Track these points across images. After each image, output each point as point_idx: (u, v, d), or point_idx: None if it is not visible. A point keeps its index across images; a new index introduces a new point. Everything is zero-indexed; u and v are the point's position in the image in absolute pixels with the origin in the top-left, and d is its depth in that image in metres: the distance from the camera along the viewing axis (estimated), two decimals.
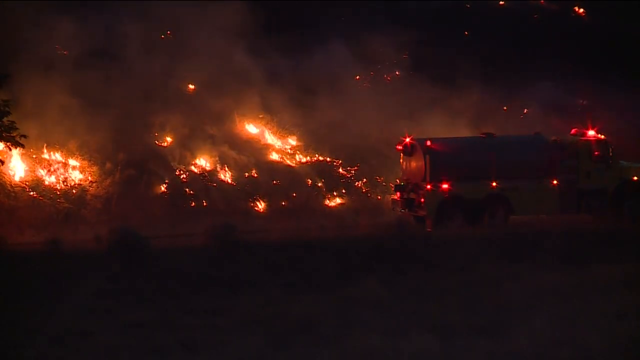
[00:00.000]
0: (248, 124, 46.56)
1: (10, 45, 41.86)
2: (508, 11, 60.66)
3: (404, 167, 36.89)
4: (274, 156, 45.66)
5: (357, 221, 39.94)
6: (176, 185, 42.20)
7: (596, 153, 35.95)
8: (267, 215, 42.10)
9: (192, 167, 43.34)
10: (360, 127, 45.89)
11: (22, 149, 38.48)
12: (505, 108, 50.75)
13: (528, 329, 16.41)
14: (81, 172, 41.22)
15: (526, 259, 25.31)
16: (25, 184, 39.84)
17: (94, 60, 43.60)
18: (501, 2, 61.26)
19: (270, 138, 46.49)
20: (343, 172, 45.77)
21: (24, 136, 37.06)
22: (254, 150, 45.15)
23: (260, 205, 42.63)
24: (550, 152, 35.81)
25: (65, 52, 44.92)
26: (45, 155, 41.05)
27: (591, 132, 36.40)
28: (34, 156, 40.67)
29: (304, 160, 45.90)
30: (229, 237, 28.08)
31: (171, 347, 16.45)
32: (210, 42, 45.71)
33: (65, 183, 40.58)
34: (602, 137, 36.47)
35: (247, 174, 43.81)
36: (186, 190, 42.19)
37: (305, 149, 46.29)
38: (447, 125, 44.20)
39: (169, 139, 44.18)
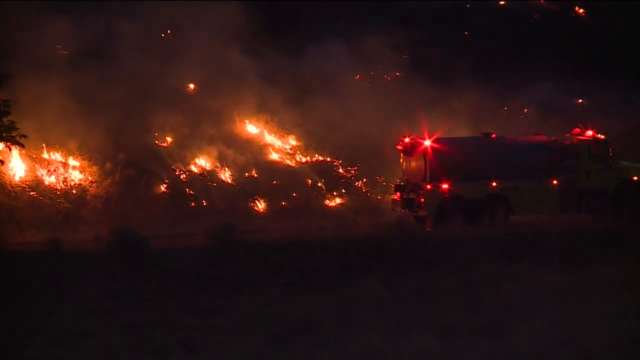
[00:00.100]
0: (248, 124, 46.56)
1: (10, 45, 41.85)
2: (508, 11, 60.69)
3: (404, 167, 36.90)
4: (274, 156, 45.67)
5: (357, 221, 39.92)
6: (176, 185, 42.20)
7: (596, 153, 35.94)
8: (267, 215, 42.09)
9: (192, 167, 43.34)
10: (360, 127, 45.89)
11: (22, 149, 38.47)
12: (505, 108, 50.76)
13: (528, 329, 16.42)
14: (81, 172, 41.22)
15: (526, 259, 25.32)
16: (25, 184, 39.84)
17: (93, 60, 43.59)
18: (501, 2, 61.28)
19: (270, 138, 46.49)
20: (343, 172, 45.77)
21: (24, 136, 37.05)
22: (254, 150, 45.15)
23: (260, 205, 42.63)
24: (550, 152, 35.81)
25: (65, 52, 44.93)
26: (45, 155, 41.04)
27: (591, 132, 36.40)
28: (34, 156, 40.66)
29: (304, 160, 45.90)
30: (229, 237, 28.08)
31: (171, 347, 16.46)
32: (210, 42, 45.71)
33: (65, 183, 40.58)
34: (602, 137, 36.48)
35: (247, 174, 43.82)
36: (186, 190, 42.19)
37: (305, 149, 46.30)
38: (447, 125, 44.17)
39: (169, 139, 44.18)
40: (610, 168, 35.93)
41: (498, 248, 27.24)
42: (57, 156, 41.27)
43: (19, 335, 17.47)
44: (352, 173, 45.72)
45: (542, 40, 56.90)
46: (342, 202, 44.17)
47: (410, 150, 36.08)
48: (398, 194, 36.57)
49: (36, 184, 40.08)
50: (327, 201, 44.09)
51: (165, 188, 41.95)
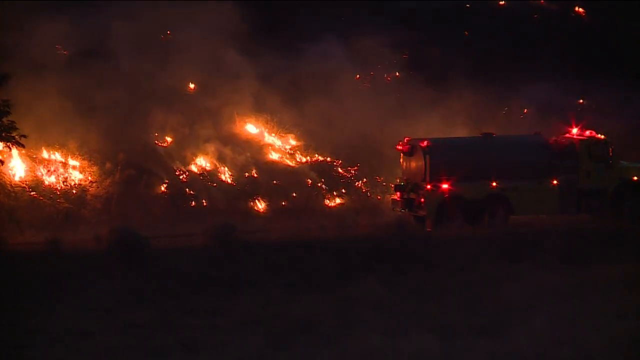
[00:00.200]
0: (248, 123, 46.55)
1: (10, 45, 41.85)
2: (508, 11, 60.66)
3: (404, 167, 36.89)
4: (274, 156, 45.66)
5: (357, 221, 39.91)
6: (176, 185, 42.19)
7: (596, 153, 35.93)
8: (267, 215, 42.09)
9: (192, 167, 43.34)
10: (360, 127, 45.86)
11: (22, 149, 38.45)
12: (506, 109, 50.75)
13: (528, 329, 16.42)
14: (81, 172, 41.21)
15: (526, 259, 25.33)
16: (25, 184, 39.83)
17: (93, 60, 43.58)
18: (501, 2, 61.26)
19: (270, 138, 46.49)
20: (343, 172, 45.77)
21: (24, 136, 37.02)
22: (254, 150, 45.14)
23: (260, 205, 42.62)
24: (550, 152, 35.80)
25: (65, 52, 44.93)
26: (45, 155, 41.04)
27: (591, 132, 36.39)
28: (34, 156, 40.65)
29: (304, 160, 45.89)
30: (229, 237, 28.09)
31: (171, 347, 16.46)
32: (210, 41, 45.69)
33: (65, 183, 40.58)
34: (602, 137, 36.47)
35: (247, 174, 43.81)
36: (186, 190, 42.18)
37: (305, 149, 46.28)
38: (447, 125, 44.20)
39: (168, 139, 44.18)
40: (610, 168, 35.90)
41: (498, 248, 27.25)
42: (57, 156, 41.27)
43: (19, 335, 17.47)
44: (352, 173, 45.70)
45: (542, 40, 56.87)
46: (342, 202, 44.16)
47: (410, 150, 36.07)
48: (398, 194, 36.55)
49: (36, 184, 40.08)
50: (327, 201, 44.08)
51: (165, 188, 41.95)
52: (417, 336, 15.93)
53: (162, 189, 41.91)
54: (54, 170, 40.75)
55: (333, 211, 43.18)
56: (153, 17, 45.40)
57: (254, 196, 42.75)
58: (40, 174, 40.46)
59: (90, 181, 40.99)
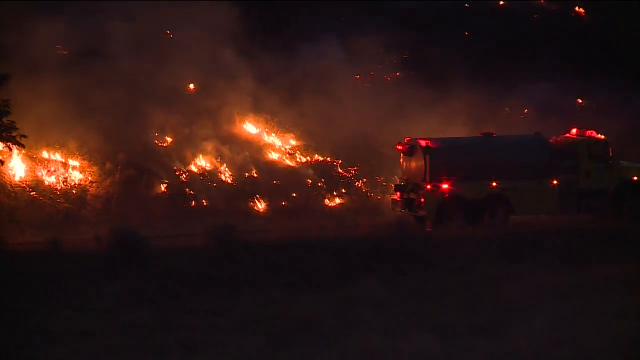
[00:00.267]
0: (248, 123, 46.56)
1: (10, 45, 41.85)
2: (508, 11, 60.65)
3: (404, 167, 36.89)
4: (274, 156, 45.67)
5: (357, 221, 39.92)
6: (176, 185, 42.19)
7: (596, 153, 35.93)
8: (267, 215, 42.09)
9: (192, 167, 43.34)
10: (360, 127, 45.86)
11: (22, 149, 38.45)
12: (507, 109, 50.75)
13: (528, 329, 16.42)
14: (81, 172, 41.21)
15: (526, 259, 25.33)
16: (25, 184, 39.84)
17: (93, 60, 43.58)
18: (501, 2, 61.26)
19: (270, 138, 46.49)
20: (343, 172, 45.77)
21: (24, 136, 37.02)
22: (254, 150, 45.14)
23: (260, 205, 42.63)
24: (550, 152, 35.80)
25: (65, 52, 44.93)
26: (45, 155, 41.03)
27: (591, 132, 36.39)
28: (34, 156, 40.65)
29: (304, 160, 45.89)
30: (229, 237, 28.09)
31: (171, 347, 16.46)
32: (211, 41, 45.70)
33: (65, 183, 40.58)
34: (602, 137, 36.47)
35: (247, 174, 43.81)
36: (186, 190, 42.18)
37: (305, 149, 46.29)
38: (447, 125, 44.19)
39: (169, 139, 44.18)
40: (610, 168, 35.91)
41: (498, 248, 27.24)
42: (57, 156, 41.27)
43: (19, 335, 17.47)
44: (352, 173, 45.71)
45: (542, 40, 56.86)
46: (342, 202, 44.16)
47: (410, 150, 36.07)
48: (398, 194, 36.56)
49: (36, 184, 40.08)
50: (327, 201, 44.08)
51: (165, 188, 41.95)
52: (417, 336, 15.93)
53: (162, 189, 41.91)
54: (54, 170, 40.76)
55: (333, 211, 43.18)
56: (153, 17, 45.41)
57: (253, 196, 42.75)
58: (40, 174, 40.46)
59: (90, 181, 40.99)
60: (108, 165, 41.51)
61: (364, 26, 51.35)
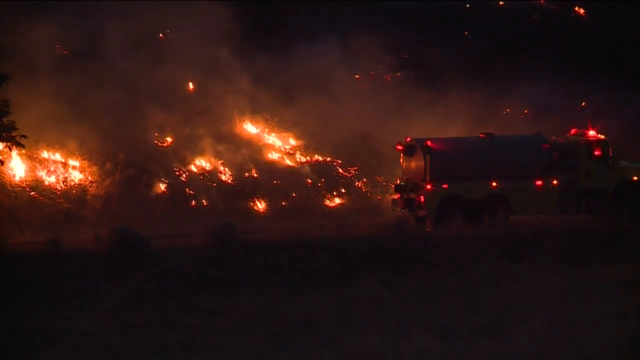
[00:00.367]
0: (248, 123, 46.56)
1: (10, 45, 41.85)
2: (508, 11, 60.65)
3: (404, 167, 36.88)
4: (274, 156, 45.67)
5: (357, 221, 39.91)
6: (176, 185, 42.19)
7: (596, 153, 35.93)
8: (267, 215, 42.09)
9: (192, 167, 43.35)
10: (360, 127, 45.86)
11: (22, 149, 38.44)
12: (507, 109, 50.74)
13: (528, 329, 16.42)
14: (81, 172, 41.22)
15: (526, 259, 25.33)
16: (25, 184, 39.84)
17: (93, 60, 43.59)
18: (501, 2, 61.26)
19: (270, 138, 46.49)
20: (343, 172, 45.77)
21: (24, 136, 37.01)
22: (254, 150, 45.15)
23: (260, 205, 42.63)
24: (550, 152, 35.79)
25: (65, 52, 44.94)
26: (45, 155, 41.03)
27: (591, 132, 36.38)
28: (34, 156, 40.65)
29: (304, 160, 45.89)
30: (229, 237, 28.08)
31: (171, 347, 16.46)
32: (211, 42, 45.70)
33: (65, 183, 40.58)
34: (602, 137, 36.46)
35: (247, 174, 43.81)
36: (186, 190, 42.18)
37: (305, 148, 46.29)
38: (447, 125, 44.19)
39: (169, 139, 44.18)
40: (610, 168, 35.90)
41: (498, 248, 27.24)
42: (57, 156, 41.27)
43: (19, 335, 17.47)
44: (352, 173, 45.71)
45: (542, 40, 56.86)
46: (342, 202, 44.16)
47: (410, 150, 36.06)
48: (398, 194, 36.56)
49: (36, 184, 40.09)
50: (327, 201, 44.08)
51: (165, 188, 41.95)
52: (417, 336, 15.93)
53: (162, 189, 41.91)
54: (54, 170, 40.76)
55: (333, 211, 43.18)
56: (153, 17, 45.41)
57: (253, 196, 42.75)
58: (40, 174, 40.46)
59: (90, 181, 41.00)
60: (108, 165, 41.52)
61: (364, 26, 51.35)
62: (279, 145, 46.25)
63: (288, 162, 45.57)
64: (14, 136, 36.80)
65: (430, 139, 35.52)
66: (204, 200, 41.91)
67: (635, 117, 50.25)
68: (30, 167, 40.42)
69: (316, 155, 46.08)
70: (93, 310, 19.61)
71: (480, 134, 37.45)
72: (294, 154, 46.03)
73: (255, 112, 46.64)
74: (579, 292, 20.15)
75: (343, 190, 44.69)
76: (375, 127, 45.80)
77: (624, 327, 16.70)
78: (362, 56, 49.54)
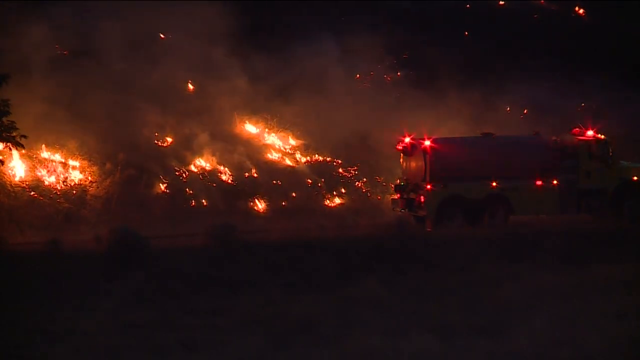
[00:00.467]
0: (248, 123, 46.57)
1: (10, 44, 41.85)
2: (508, 11, 60.67)
3: (404, 167, 36.90)
4: (274, 156, 45.67)
5: (357, 221, 39.92)
6: (176, 185, 42.19)
7: (596, 153, 35.93)
8: (267, 215, 42.09)
9: (192, 167, 43.35)
10: (360, 126, 45.87)
11: (22, 149, 38.41)
12: (508, 109, 50.75)
13: (528, 329, 16.42)
14: (81, 172, 41.22)
15: (526, 259, 25.33)
16: (25, 184, 39.84)
17: (93, 60, 43.60)
18: (501, 2, 61.28)
19: (270, 138, 46.49)
20: (343, 172, 45.77)
21: (24, 136, 36.95)
22: (254, 150, 45.15)
23: (260, 205, 42.63)
24: (550, 152, 35.80)
25: (65, 52, 44.95)
26: (45, 155, 41.03)
27: (591, 132, 36.38)
28: (34, 156, 40.65)
29: (304, 160, 45.89)
30: (229, 237, 28.07)
31: (171, 347, 16.46)
32: (211, 41, 45.72)
33: (65, 183, 40.58)
34: (602, 137, 36.47)
35: (247, 174, 43.81)
36: (186, 190, 42.18)
37: (305, 148, 46.30)
38: (446, 125, 44.18)
39: (168, 139, 44.19)
40: (610, 168, 35.91)
41: (498, 248, 27.23)
42: (57, 156, 41.27)
43: (19, 335, 17.47)
44: (352, 173, 45.71)
45: (541, 40, 56.88)
46: (342, 202, 44.16)
47: (410, 150, 36.08)
48: (398, 194, 36.57)
49: (36, 184, 40.08)
50: (327, 201, 44.08)
51: (165, 188, 41.95)
52: (417, 336, 15.94)
53: (162, 189, 41.91)
54: (54, 170, 40.76)
55: (333, 211, 43.18)
56: (153, 17, 45.42)
57: (253, 196, 42.75)
58: (40, 174, 40.46)
59: (90, 181, 40.99)
60: (108, 165, 41.52)
61: (364, 26, 51.38)
62: (278, 145, 46.25)
63: (288, 162, 45.58)
64: (14, 136, 36.74)
65: (430, 139, 35.52)
66: (204, 200, 41.91)
67: (635, 117, 50.26)
68: (30, 167, 40.42)
69: (316, 155, 46.09)
70: (93, 310, 19.60)
71: (480, 133, 37.50)
72: (294, 153, 46.04)
73: (255, 112, 46.66)
74: (579, 292, 20.15)
75: (343, 190, 44.69)
76: (375, 127, 45.79)
77: (624, 327, 16.70)
78: (362, 56, 49.57)
